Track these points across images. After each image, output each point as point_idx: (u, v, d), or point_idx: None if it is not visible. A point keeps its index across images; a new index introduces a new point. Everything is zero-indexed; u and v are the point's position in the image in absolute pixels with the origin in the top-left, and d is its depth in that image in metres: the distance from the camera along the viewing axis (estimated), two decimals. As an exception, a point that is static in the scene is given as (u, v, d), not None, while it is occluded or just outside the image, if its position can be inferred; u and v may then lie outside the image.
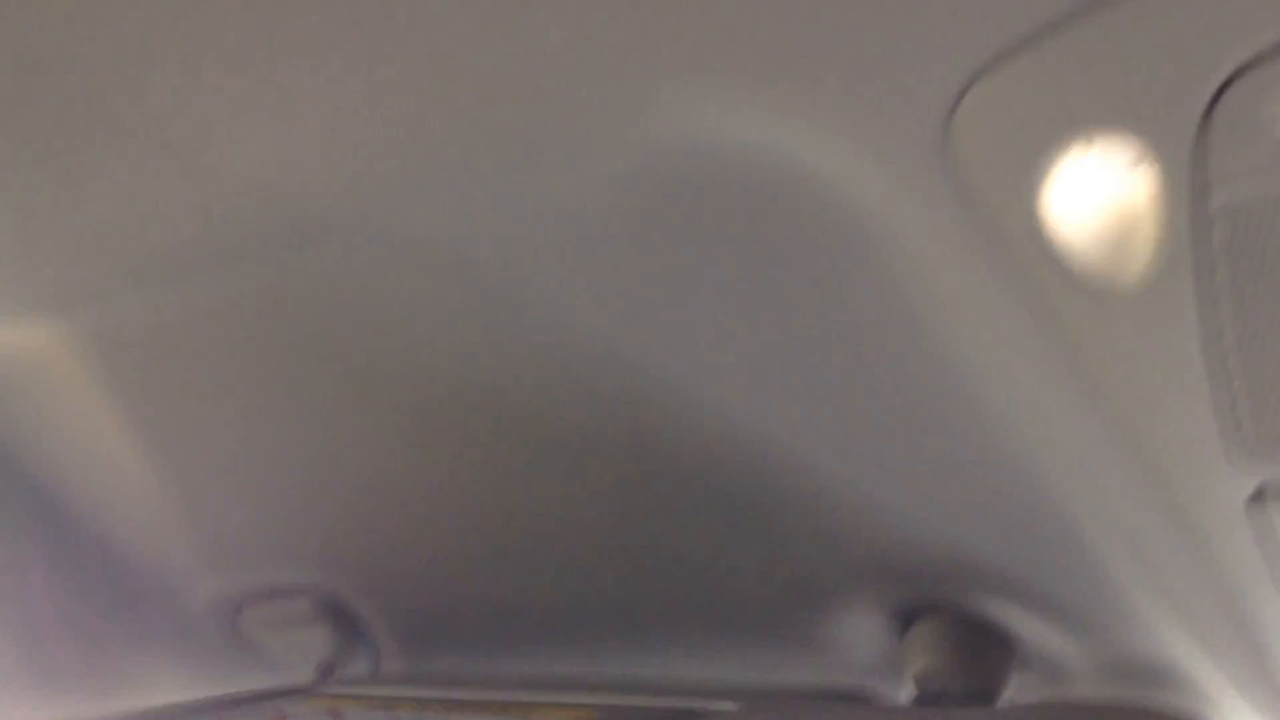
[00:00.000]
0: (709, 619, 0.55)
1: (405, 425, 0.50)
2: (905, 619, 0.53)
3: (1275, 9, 0.24)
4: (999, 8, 0.27)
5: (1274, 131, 0.26)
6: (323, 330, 0.47)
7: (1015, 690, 0.51)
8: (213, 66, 0.33)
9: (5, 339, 0.52)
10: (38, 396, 0.56)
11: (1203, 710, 0.48)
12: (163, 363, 0.52)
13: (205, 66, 0.33)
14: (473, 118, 0.34)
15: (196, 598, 0.67)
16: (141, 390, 0.53)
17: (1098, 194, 0.29)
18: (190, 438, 0.55)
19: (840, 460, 0.44)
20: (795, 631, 0.54)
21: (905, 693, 0.52)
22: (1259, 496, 0.36)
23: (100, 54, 0.34)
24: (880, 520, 0.47)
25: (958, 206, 0.31)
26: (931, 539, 0.47)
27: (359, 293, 0.44)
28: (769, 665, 0.56)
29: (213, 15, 0.32)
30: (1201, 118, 0.26)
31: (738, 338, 0.41)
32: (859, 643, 0.53)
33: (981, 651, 0.51)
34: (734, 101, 0.31)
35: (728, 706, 0.50)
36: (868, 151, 0.31)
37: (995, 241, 0.31)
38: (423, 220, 0.40)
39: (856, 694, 0.54)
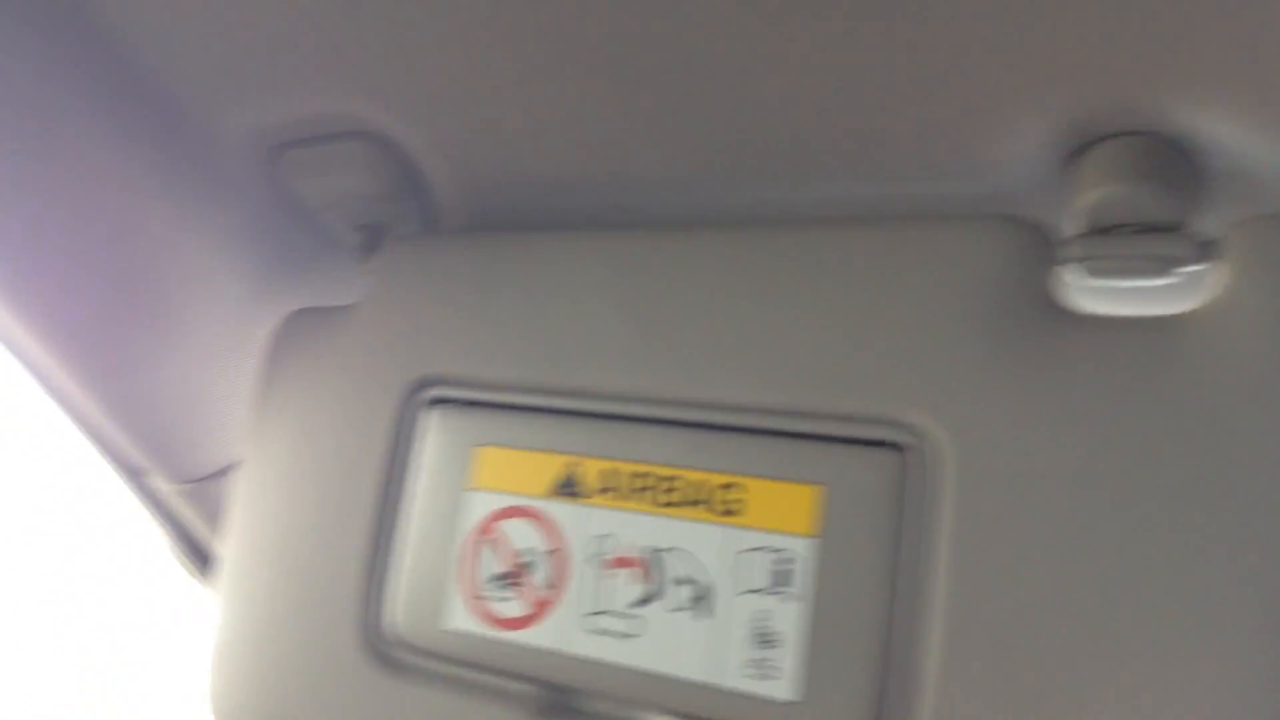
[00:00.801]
0: (848, 135, 0.47)
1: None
2: (1078, 140, 0.45)
3: None
4: None
5: None
6: None
7: (1204, 220, 0.45)
8: None
9: None
10: None
11: None
12: None
13: None
14: None
15: (229, 135, 0.57)
16: None
17: None
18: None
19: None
20: (948, 150, 0.46)
21: (1072, 225, 0.46)
22: None
23: None
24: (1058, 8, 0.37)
25: None
26: (1121, 30, 0.38)
27: None
28: (917, 188, 0.49)
29: None
30: None
31: None
32: (1022, 167, 0.46)
33: (1166, 175, 0.44)
34: None
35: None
36: None
37: None
38: None
39: (1017, 222, 0.47)
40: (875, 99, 0.45)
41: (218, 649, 0.57)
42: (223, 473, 0.70)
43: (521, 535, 0.51)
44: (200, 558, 0.75)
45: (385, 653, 0.53)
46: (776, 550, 0.46)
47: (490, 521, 0.52)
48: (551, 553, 0.50)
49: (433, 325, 0.55)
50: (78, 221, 0.57)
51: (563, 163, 0.54)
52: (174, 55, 0.53)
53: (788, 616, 0.45)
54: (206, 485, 0.70)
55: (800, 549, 0.45)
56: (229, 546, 0.58)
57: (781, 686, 0.45)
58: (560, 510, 0.50)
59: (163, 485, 0.70)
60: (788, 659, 0.45)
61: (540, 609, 0.50)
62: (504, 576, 0.51)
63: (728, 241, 0.50)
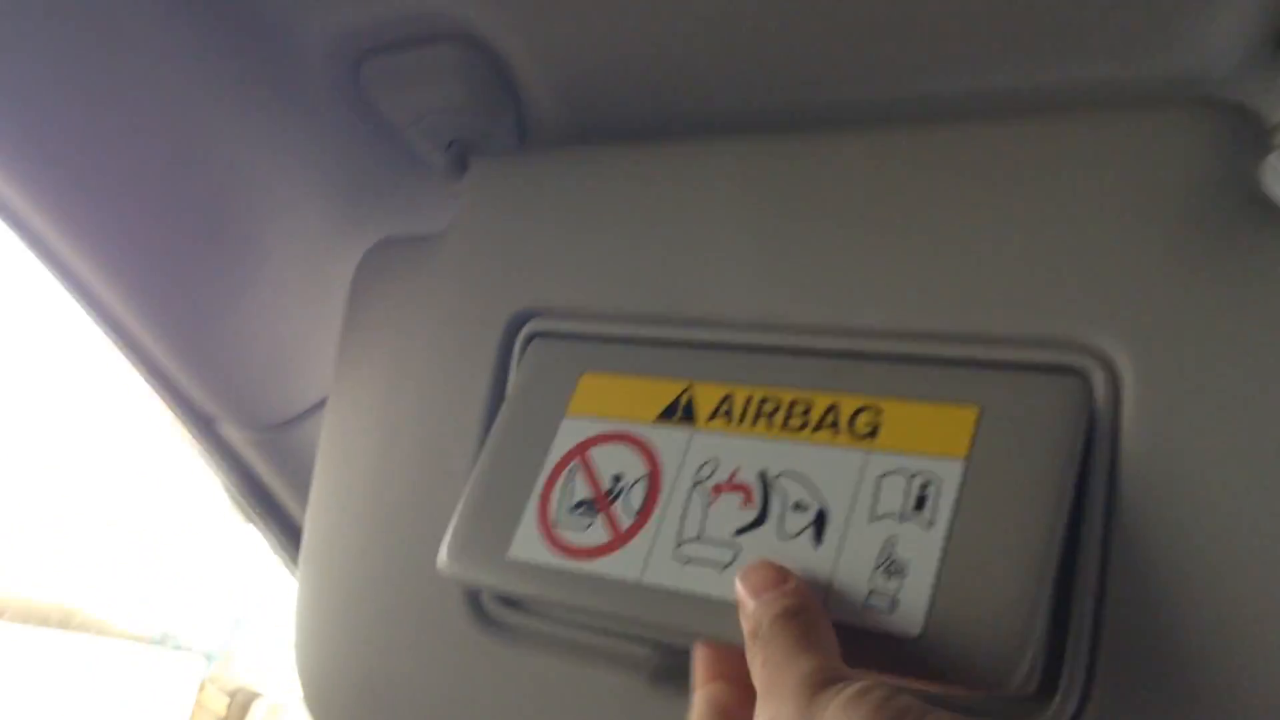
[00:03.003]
0: (1013, 7, 0.41)
1: None
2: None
3: None
4: None
5: None
6: None
7: None
8: None
9: None
10: None
11: None
12: None
13: None
14: None
15: (308, 43, 0.52)
16: None
17: None
18: None
19: None
20: (1134, 23, 0.40)
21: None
22: None
23: None
24: None
25: None
26: None
27: None
28: (1093, 71, 0.43)
29: None
30: None
31: None
32: (1223, 41, 0.40)
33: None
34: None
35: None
36: None
37: None
38: None
39: (1220, 105, 0.41)
40: None
41: (303, 601, 0.53)
42: (299, 419, 0.65)
43: (614, 460, 0.45)
44: (266, 510, 0.71)
45: (489, 607, 0.48)
46: (915, 474, 0.40)
47: (582, 446, 0.46)
48: (646, 478, 0.44)
49: (530, 251, 0.50)
50: (142, 142, 0.52)
51: (673, 60, 0.48)
52: None
53: (920, 545, 0.39)
54: (281, 432, 0.65)
55: (943, 472, 0.39)
56: (315, 494, 0.54)
57: (906, 620, 0.38)
58: (665, 435, 0.45)
59: (234, 433, 0.65)
60: (916, 591, 0.38)
61: (621, 538, 0.44)
62: (586, 503, 0.45)
63: (867, 143, 0.45)
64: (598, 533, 0.44)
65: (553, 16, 0.48)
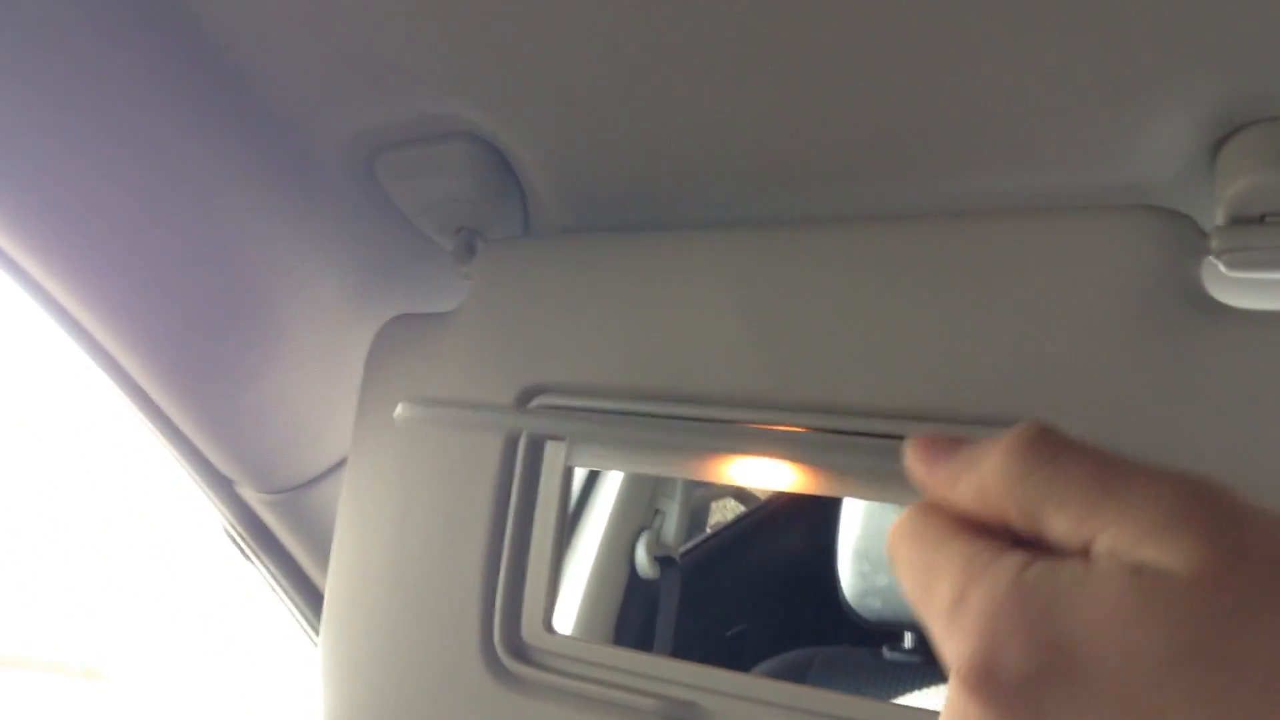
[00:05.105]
0: (984, 123, 0.45)
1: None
2: (1227, 125, 0.43)
3: None
4: None
5: None
6: None
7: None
8: None
9: None
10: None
11: None
12: None
13: None
14: None
15: (328, 140, 0.57)
16: None
17: None
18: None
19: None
20: (1087, 138, 0.45)
21: (1219, 215, 0.44)
22: None
23: None
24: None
25: None
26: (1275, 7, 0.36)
27: None
28: (1051, 179, 0.47)
29: None
30: None
31: None
32: (1165, 154, 0.44)
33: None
34: None
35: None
36: None
37: None
38: None
39: (1166, 211, 0.45)
40: (1016, 85, 0.43)
41: (329, 659, 0.56)
42: (314, 482, 0.69)
43: None
44: (281, 567, 0.74)
45: (506, 663, 0.52)
46: None
47: None
48: None
49: (536, 332, 0.54)
50: (173, 228, 0.56)
51: (668, 159, 0.52)
52: (276, 59, 0.52)
53: None
54: (297, 494, 0.69)
55: None
56: (336, 556, 0.57)
57: None
58: None
59: (251, 495, 0.69)
60: None
61: None
62: None
63: (851, 237, 0.48)
64: None
65: (551, 119, 0.52)
